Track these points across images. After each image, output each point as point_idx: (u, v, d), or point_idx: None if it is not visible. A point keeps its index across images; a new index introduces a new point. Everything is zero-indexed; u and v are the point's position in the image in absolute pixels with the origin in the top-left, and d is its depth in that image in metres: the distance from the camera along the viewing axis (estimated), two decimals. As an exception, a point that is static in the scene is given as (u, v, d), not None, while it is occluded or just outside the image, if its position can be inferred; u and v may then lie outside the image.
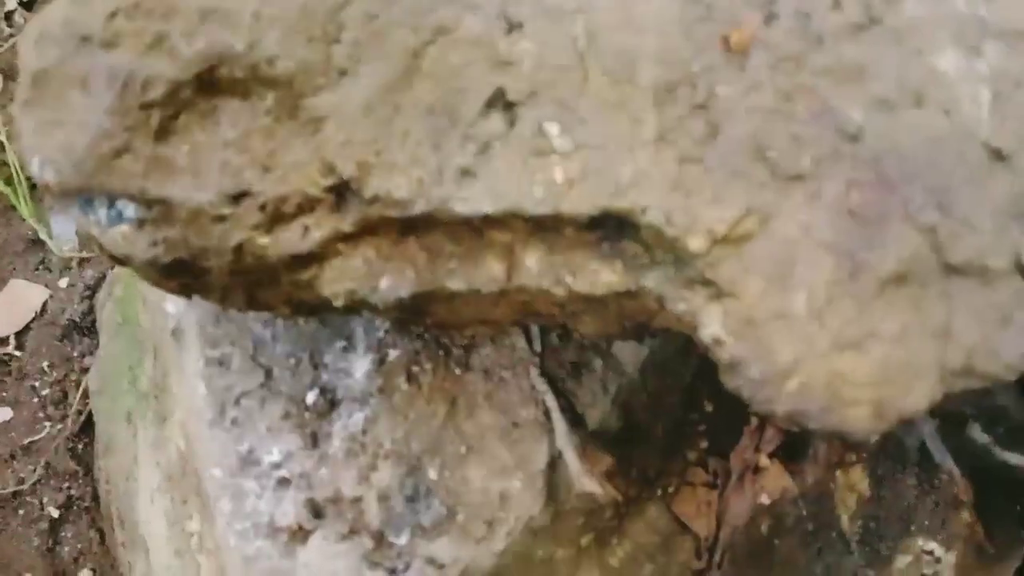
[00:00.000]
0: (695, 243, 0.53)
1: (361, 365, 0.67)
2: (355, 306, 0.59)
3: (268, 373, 0.67)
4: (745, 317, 0.54)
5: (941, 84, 0.62)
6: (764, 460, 0.84)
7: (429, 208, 0.54)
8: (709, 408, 0.83)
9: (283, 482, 0.65)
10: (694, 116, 0.55)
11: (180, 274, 0.60)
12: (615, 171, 0.53)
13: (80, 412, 1.24)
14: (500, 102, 0.55)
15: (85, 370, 1.25)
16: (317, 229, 0.57)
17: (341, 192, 0.56)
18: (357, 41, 0.56)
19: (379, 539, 0.64)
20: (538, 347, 0.71)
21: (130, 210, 0.58)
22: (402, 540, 0.64)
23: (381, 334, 0.69)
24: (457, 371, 0.68)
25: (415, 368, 0.68)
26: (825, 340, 0.55)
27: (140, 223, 0.58)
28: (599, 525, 0.76)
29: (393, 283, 0.57)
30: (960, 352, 0.60)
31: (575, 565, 0.75)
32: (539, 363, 0.70)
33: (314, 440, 0.66)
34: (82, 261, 1.32)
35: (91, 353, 1.26)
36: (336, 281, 0.58)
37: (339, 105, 0.56)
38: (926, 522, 1.00)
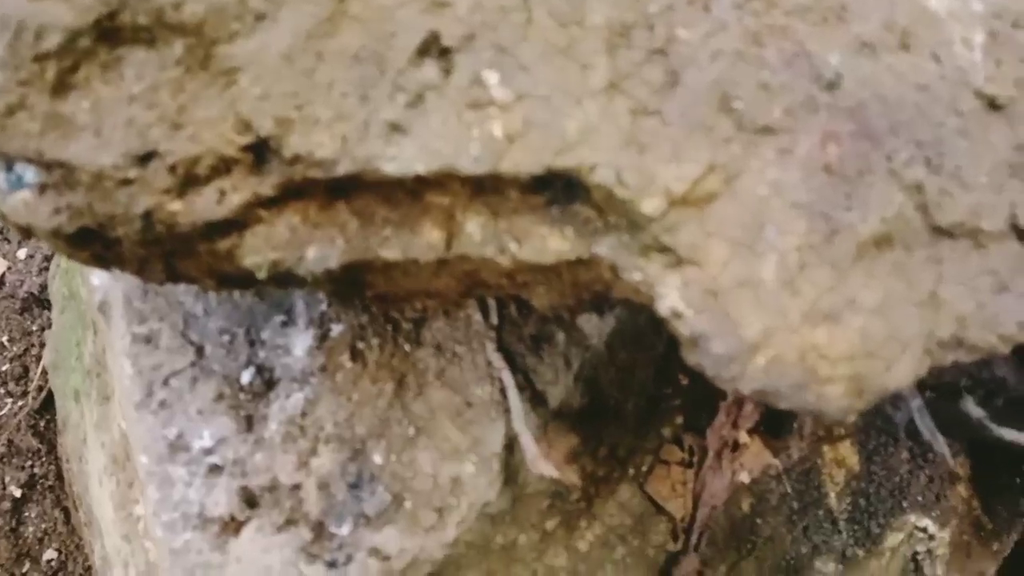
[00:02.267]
0: (650, 205, 0.47)
1: (301, 341, 0.62)
2: (282, 278, 0.53)
3: (199, 351, 0.62)
4: (707, 287, 0.49)
5: (930, 24, 0.56)
6: (743, 436, 0.79)
7: (355, 168, 0.49)
8: (684, 382, 0.77)
9: (215, 469, 0.60)
10: (651, 62, 0.49)
11: (90, 245, 0.54)
12: (560, 125, 0.48)
13: (41, 388, 1.20)
14: (434, 48, 0.49)
15: (45, 344, 1.20)
16: (234, 193, 0.51)
17: (260, 151, 0.51)
18: (275, -19, 0.50)
19: (319, 530, 0.59)
20: (495, 320, 0.66)
21: (30, 174, 0.52)
22: (344, 530, 0.59)
23: (324, 307, 0.63)
24: (406, 347, 0.63)
25: (360, 344, 0.63)
26: (797, 311, 0.50)
27: (41, 188, 0.52)
28: (566, 508, 0.71)
29: (321, 252, 0.52)
30: (949, 322, 0.55)
31: (540, 551, 0.70)
32: (496, 337, 0.65)
33: (249, 423, 0.61)
34: (40, 231, 1.26)
35: (50, 326, 1.21)
36: (258, 251, 0.52)
37: (256, 54, 0.50)
38: (919, 498, 0.95)
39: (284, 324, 0.63)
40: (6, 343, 1.24)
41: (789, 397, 0.50)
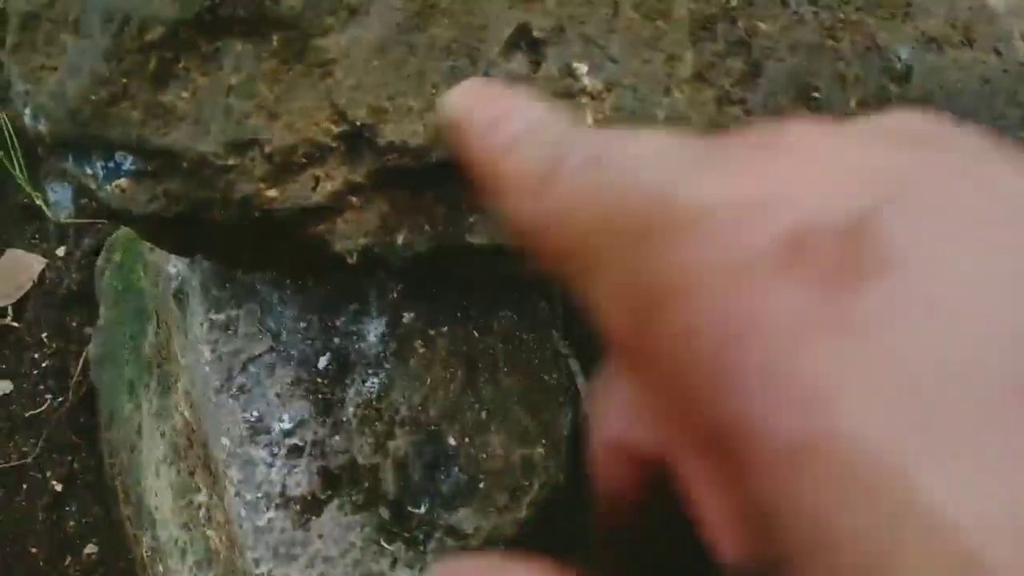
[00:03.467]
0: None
1: (374, 328, 0.64)
2: (369, 263, 0.55)
3: (277, 337, 0.64)
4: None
5: (990, 20, 0.58)
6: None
7: (445, 157, 0.51)
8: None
9: (295, 450, 0.61)
10: (733, 53, 0.51)
11: (183, 230, 0.56)
12: (650, 113, 0.49)
13: (81, 384, 1.21)
14: (524, 40, 0.51)
15: (85, 340, 1.21)
16: (328, 181, 0.53)
17: (353, 141, 0.53)
18: (368, -23, 0.52)
19: (397, 509, 0.61)
20: (560, 309, 0.67)
21: (128, 162, 0.54)
22: (421, 510, 0.61)
23: (395, 296, 0.65)
24: (476, 334, 0.65)
25: (431, 331, 0.64)
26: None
27: (139, 175, 0.54)
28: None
29: (410, 238, 0.54)
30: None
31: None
32: (562, 325, 0.67)
33: (327, 407, 0.62)
34: (79, 228, 1.28)
35: (90, 323, 1.23)
36: (349, 236, 0.54)
37: (349, 46, 0.52)
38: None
39: (357, 312, 0.65)
40: (45, 339, 1.25)
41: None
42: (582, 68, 0.50)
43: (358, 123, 0.52)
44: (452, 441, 0.62)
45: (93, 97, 0.52)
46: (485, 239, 0.54)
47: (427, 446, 0.62)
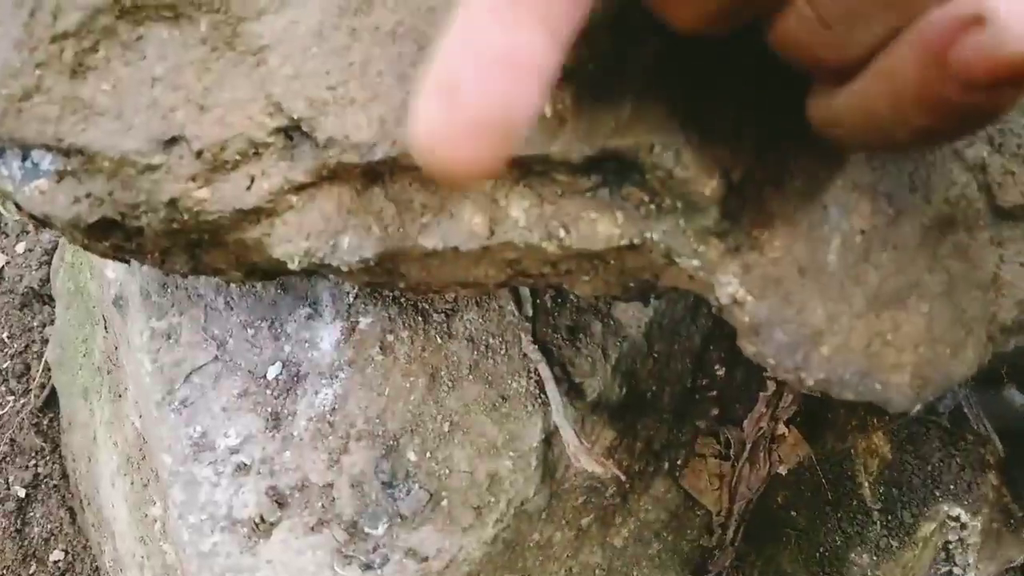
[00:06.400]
0: (710, 187, 0.45)
1: (329, 334, 0.59)
2: (314, 269, 0.51)
3: (222, 346, 0.59)
4: (769, 272, 0.46)
5: None
6: (781, 427, 0.77)
7: (393, 152, 0.46)
8: (720, 372, 0.75)
9: (242, 468, 0.57)
10: (707, 34, 0.46)
11: (110, 235, 0.52)
12: (615, 102, 0.45)
13: (43, 385, 1.16)
14: (476, 23, 0.46)
15: (46, 340, 1.17)
16: (264, 179, 0.48)
17: (291, 135, 0.48)
18: (305, -46, 0.47)
19: (353, 530, 0.56)
20: (529, 311, 0.63)
21: (47, 161, 0.49)
22: (379, 531, 0.57)
23: (351, 299, 0.60)
24: (438, 339, 0.60)
25: (390, 337, 0.60)
26: (862, 296, 0.47)
27: (59, 176, 0.49)
28: (601, 504, 0.69)
29: (356, 241, 0.49)
30: (1011, 306, 0.53)
31: (575, 548, 0.67)
32: (531, 329, 0.62)
33: (276, 420, 0.58)
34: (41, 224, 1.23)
35: (52, 322, 1.18)
36: (289, 240, 0.50)
37: (286, 31, 0.47)
38: (951, 486, 0.93)
39: (310, 317, 0.60)
40: (6, 339, 1.21)
41: (855, 387, 0.48)
42: (540, 53, 0.45)
43: (296, 116, 0.47)
44: (412, 456, 0.58)
45: (4, 91, 0.47)
46: (439, 241, 0.49)
47: (385, 461, 0.57)
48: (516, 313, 0.62)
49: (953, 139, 0.44)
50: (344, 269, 0.50)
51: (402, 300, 0.61)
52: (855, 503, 0.87)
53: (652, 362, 0.67)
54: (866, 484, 0.88)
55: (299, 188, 0.49)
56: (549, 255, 0.50)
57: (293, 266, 0.50)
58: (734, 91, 0.44)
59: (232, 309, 0.60)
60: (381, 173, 0.49)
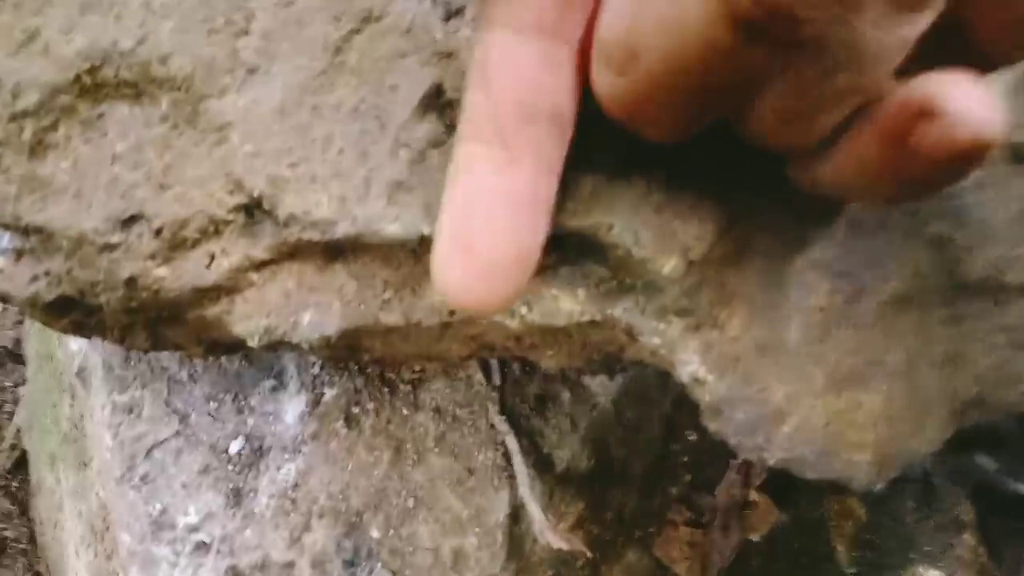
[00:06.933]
0: (669, 266, 0.45)
1: (293, 407, 0.59)
2: (275, 346, 0.50)
3: (185, 419, 0.59)
4: (729, 351, 0.46)
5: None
6: (752, 494, 0.77)
7: (355, 230, 0.46)
8: (692, 438, 0.75)
9: (201, 547, 0.56)
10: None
11: (69, 313, 0.51)
12: (575, 181, 0.45)
13: (14, 447, 1.14)
14: (437, 101, 0.47)
15: (18, 400, 1.15)
16: (224, 257, 0.48)
17: (252, 212, 0.48)
18: (268, 32, 0.47)
19: (314, 611, 0.55)
20: (497, 380, 0.63)
21: (5, 240, 0.49)
22: (341, 611, 0.56)
23: (316, 370, 0.60)
24: (404, 411, 0.60)
25: (355, 409, 0.59)
26: (822, 374, 0.47)
27: (17, 255, 0.49)
28: None
29: (318, 319, 0.49)
30: (971, 382, 0.53)
31: (544, 622, 0.66)
32: (498, 399, 0.62)
33: (237, 497, 0.57)
34: (13, 283, 1.21)
35: (24, 383, 1.17)
36: (250, 318, 0.49)
37: (248, 109, 0.47)
38: (927, 547, 0.93)
39: (274, 389, 0.60)
40: (-24, 400, 1.19)
41: (816, 466, 0.48)
42: (499, 133, 0.46)
43: (256, 193, 0.47)
44: (375, 533, 0.57)
45: (-37, 169, 0.47)
46: (400, 318, 0.49)
47: (347, 539, 0.56)
48: (484, 382, 0.62)
49: (933, 193, 0.46)
50: (305, 346, 0.50)
51: (368, 371, 0.60)
52: (831, 568, 0.87)
53: (622, 430, 0.67)
54: (840, 547, 0.88)
55: (260, 265, 0.49)
56: (511, 331, 0.49)
57: (253, 343, 0.50)
58: (693, 171, 0.44)
59: (196, 382, 0.59)
60: (343, 250, 0.48)
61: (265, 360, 0.60)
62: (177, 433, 0.58)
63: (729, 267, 0.46)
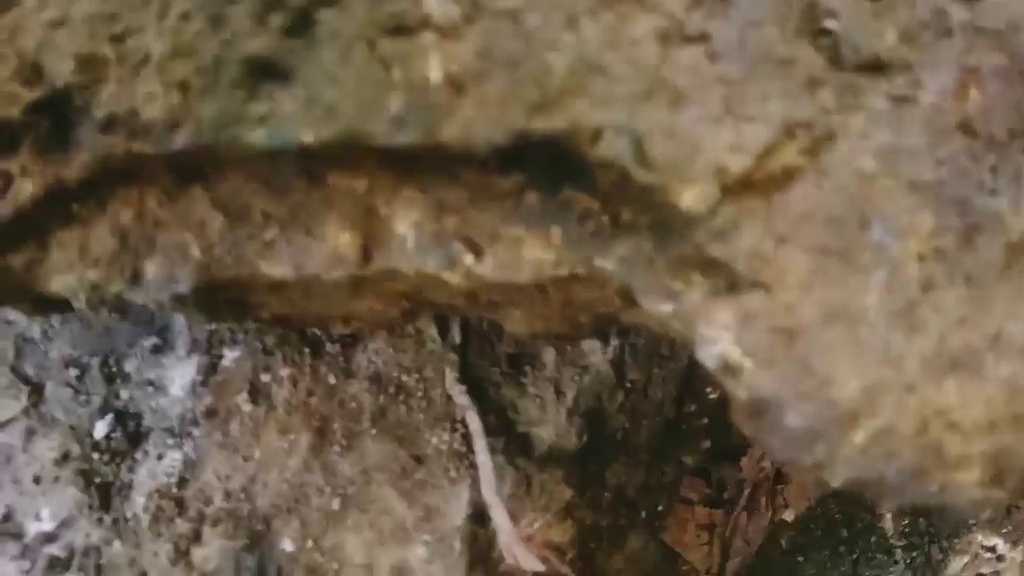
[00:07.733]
0: (692, 194, 0.29)
1: (181, 375, 0.45)
2: (113, 307, 0.35)
3: (38, 391, 0.44)
4: (779, 324, 0.31)
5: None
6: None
7: (201, 138, 0.30)
8: (712, 396, 0.60)
9: (56, 564, 0.42)
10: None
11: None
12: (541, 60, 0.29)
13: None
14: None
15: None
16: (24, 179, 0.33)
17: (59, 112, 0.32)
18: None
19: (205, 649, 0.42)
20: (457, 336, 0.47)
21: None
22: (240, 649, 0.42)
23: (213, 325, 0.45)
24: (331, 379, 0.45)
25: (264, 377, 0.45)
26: (917, 356, 0.32)
27: None
28: None
29: (167, 269, 0.34)
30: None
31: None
32: (458, 361, 0.47)
33: (105, 496, 0.43)
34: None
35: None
36: (70, 268, 0.34)
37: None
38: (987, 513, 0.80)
39: (156, 350, 0.45)
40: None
41: (901, 490, 0.33)
42: (425, -17, 0.29)
43: (62, 84, 0.31)
44: (288, 545, 0.43)
45: None
46: (289, 268, 0.34)
47: (249, 555, 0.43)
48: (438, 340, 0.47)
49: None
50: (154, 307, 0.34)
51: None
52: (874, 541, 0.74)
53: (624, 395, 0.52)
54: (887, 516, 0.74)
55: (79, 191, 0.33)
56: (454, 288, 0.34)
57: (80, 304, 0.35)
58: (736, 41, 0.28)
59: (51, 340, 0.45)
60: (199, 167, 0.33)
61: (143, 311, 0.45)
62: (27, 410, 0.44)
63: (783, 195, 0.30)
